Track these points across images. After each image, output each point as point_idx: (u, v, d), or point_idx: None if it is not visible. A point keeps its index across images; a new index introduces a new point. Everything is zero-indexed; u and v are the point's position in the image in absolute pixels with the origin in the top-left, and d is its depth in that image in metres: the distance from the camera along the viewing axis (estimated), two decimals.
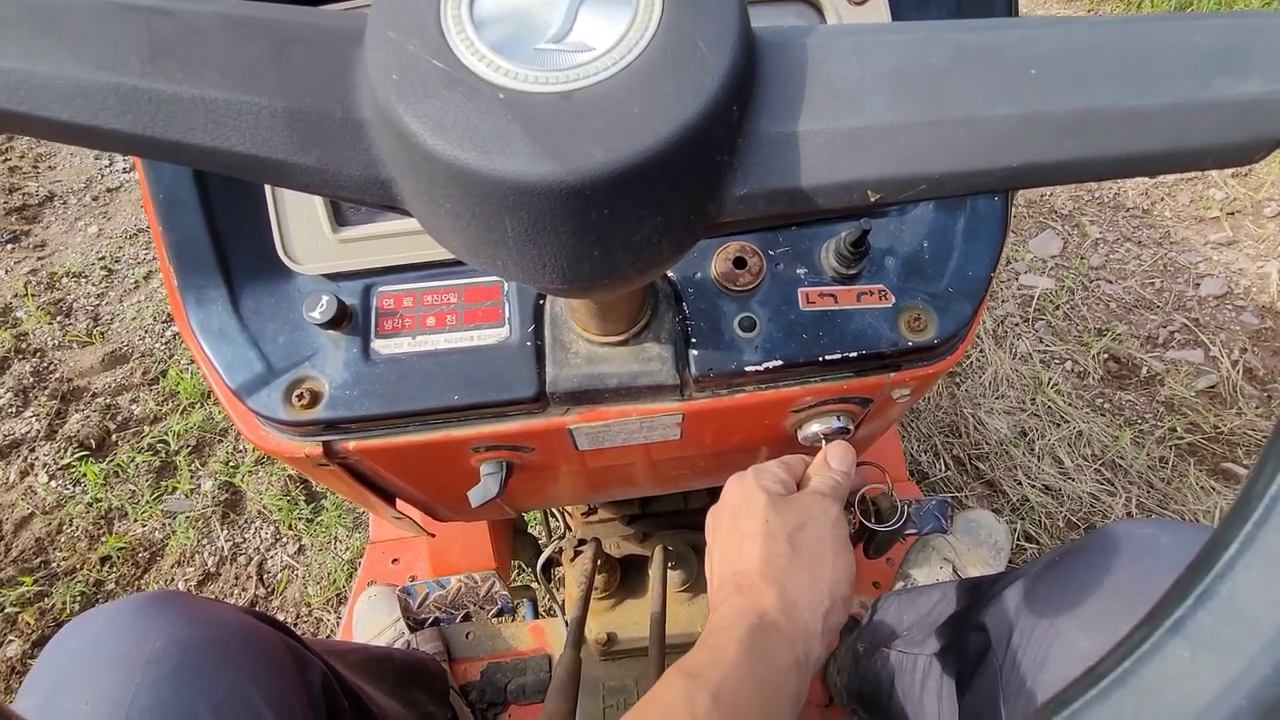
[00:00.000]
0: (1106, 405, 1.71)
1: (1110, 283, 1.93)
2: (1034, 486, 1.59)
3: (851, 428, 0.50)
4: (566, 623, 0.90)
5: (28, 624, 1.36)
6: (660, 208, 0.22)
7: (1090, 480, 1.60)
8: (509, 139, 0.20)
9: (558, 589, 0.97)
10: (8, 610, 1.36)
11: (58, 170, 2.02)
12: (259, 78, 0.23)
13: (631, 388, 0.44)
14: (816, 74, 0.23)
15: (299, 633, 1.29)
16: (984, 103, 0.21)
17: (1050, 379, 1.73)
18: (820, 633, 0.38)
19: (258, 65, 0.23)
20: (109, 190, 2.00)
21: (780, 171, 0.23)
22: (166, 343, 1.71)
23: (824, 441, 0.50)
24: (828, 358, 0.44)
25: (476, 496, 0.49)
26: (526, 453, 0.50)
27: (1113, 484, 1.59)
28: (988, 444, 1.66)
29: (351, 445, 0.45)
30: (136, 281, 1.81)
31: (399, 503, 0.59)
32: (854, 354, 0.44)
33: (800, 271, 0.46)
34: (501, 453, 0.49)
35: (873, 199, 0.23)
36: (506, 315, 0.45)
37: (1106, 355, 1.78)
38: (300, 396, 0.42)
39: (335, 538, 1.49)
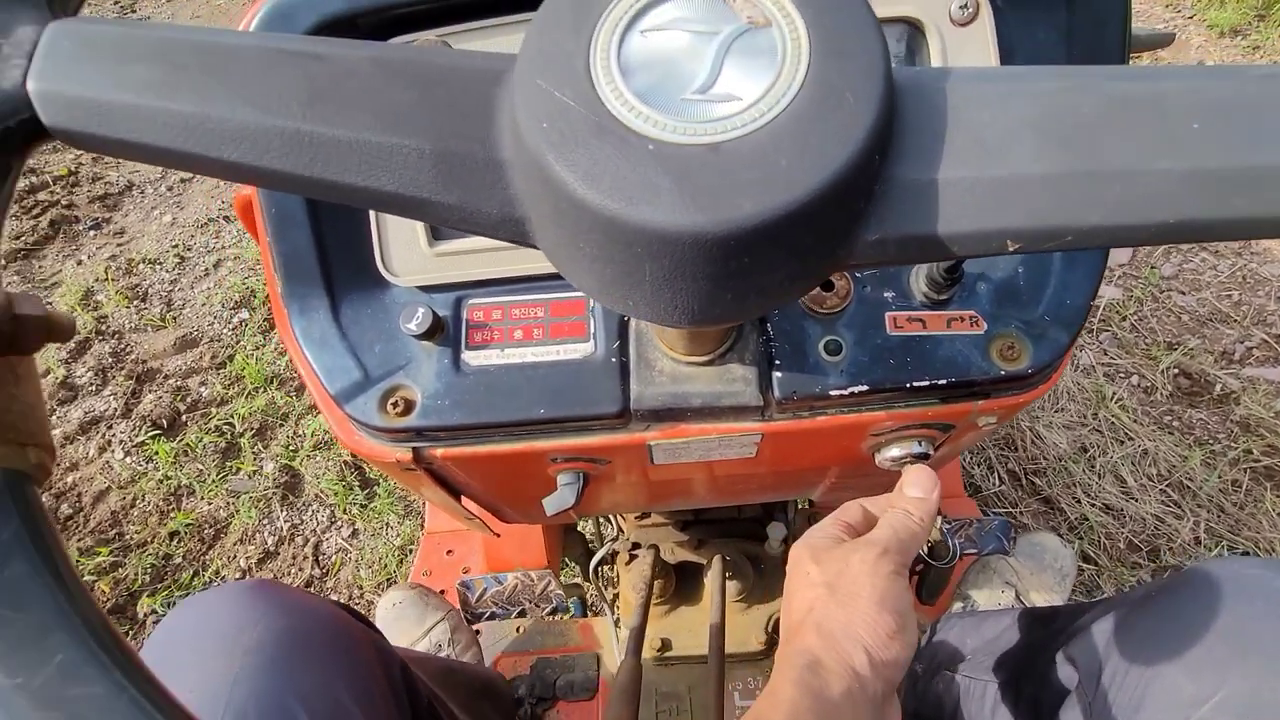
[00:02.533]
0: (1175, 423, 1.63)
1: (1183, 294, 1.84)
2: (1094, 505, 1.53)
3: (931, 452, 0.49)
4: (616, 623, 0.91)
5: (104, 592, 1.45)
6: (796, 255, 0.22)
7: (1155, 501, 1.53)
8: (658, 190, 0.21)
9: (606, 588, 0.98)
10: (85, 579, 1.45)
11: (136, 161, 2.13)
12: (408, 120, 0.24)
13: (715, 408, 0.44)
14: (958, 120, 0.22)
15: None
16: (1143, 156, 0.21)
17: (1114, 393, 1.66)
18: (869, 665, 0.37)
19: (406, 108, 0.24)
20: (182, 181, 2.10)
21: (916, 218, 0.22)
22: (233, 329, 1.78)
23: (900, 465, 0.49)
24: (915, 384, 0.44)
25: (552, 505, 0.50)
26: (602, 465, 0.50)
27: (1179, 506, 1.52)
28: (1045, 459, 1.61)
29: (439, 452, 0.46)
30: (207, 269, 1.89)
31: (465, 501, 0.61)
32: (942, 381, 0.44)
33: (888, 295, 0.45)
34: (579, 464, 0.50)
35: (1011, 249, 0.22)
36: (592, 330, 0.46)
37: (1177, 370, 1.70)
38: (395, 404, 0.44)
39: (387, 524, 1.54)
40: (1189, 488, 1.54)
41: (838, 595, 0.39)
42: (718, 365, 0.44)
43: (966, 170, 0.22)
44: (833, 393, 0.44)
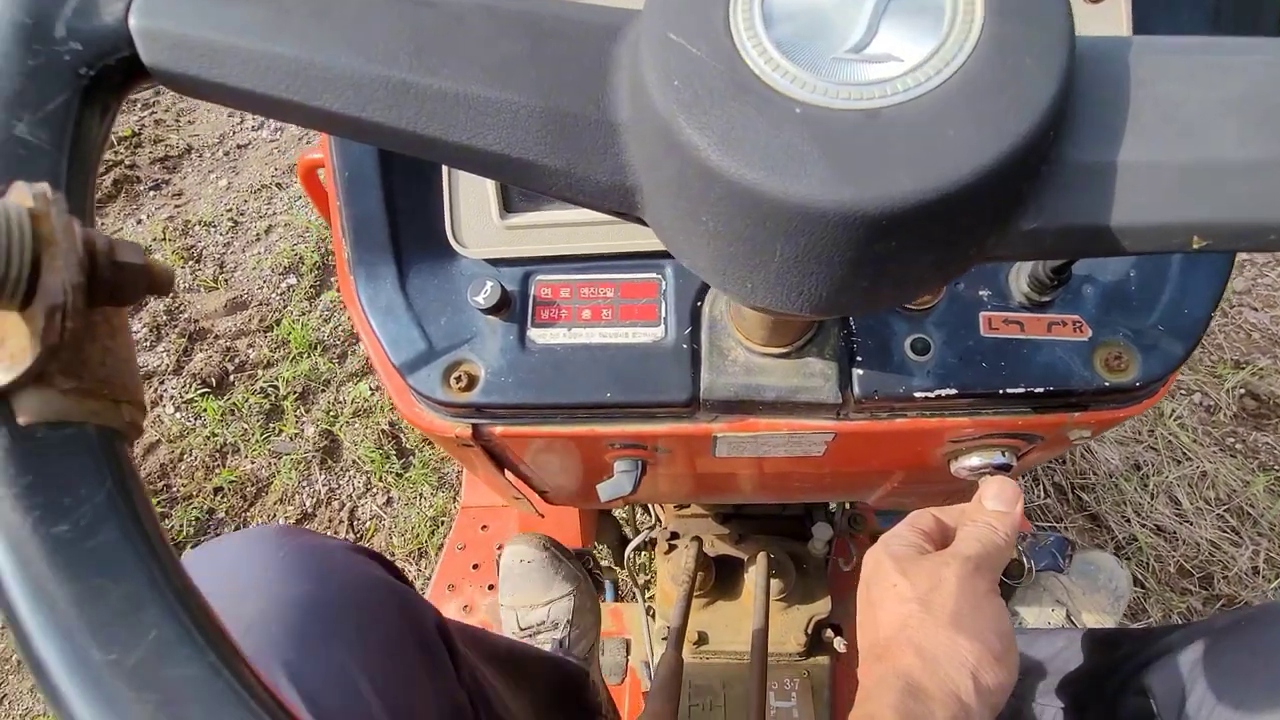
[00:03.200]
0: (1239, 446, 1.55)
1: (1255, 310, 1.73)
2: (1144, 526, 1.47)
3: (1014, 464, 0.46)
4: (649, 612, 0.90)
5: None
6: (946, 243, 0.20)
7: (1211, 526, 1.46)
8: (804, 159, 0.18)
9: (638, 574, 0.98)
10: None
11: (196, 125, 2.17)
12: (517, 74, 0.22)
13: (789, 403, 0.42)
14: (1145, 95, 0.20)
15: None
16: None
17: (1174, 411, 1.58)
18: (975, 692, 0.35)
19: (516, 61, 0.22)
20: (239, 147, 2.13)
21: (1085, 207, 0.20)
22: (281, 294, 1.82)
23: (977, 475, 0.46)
24: (1008, 391, 0.41)
25: (607, 492, 0.49)
26: (661, 454, 0.49)
27: (1238, 533, 1.45)
28: (1095, 474, 1.54)
29: (498, 430, 0.45)
30: (258, 234, 1.92)
31: (514, 480, 0.60)
32: (1039, 390, 0.41)
33: (984, 294, 0.42)
34: (638, 452, 0.48)
35: (1196, 246, 0.20)
36: (662, 314, 0.44)
37: (1243, 390, 1.60)
38: (458, 379, 0.43)
39: (421, 494, 1.56)
40: (1249, 514, 1.46)
41: (934, 613, 0.37)
42: (795, 358, 0.42)
43: (1153, 152, 0.19)
44: (917, 394, 0.41)
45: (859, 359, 0.42)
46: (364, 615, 0.45)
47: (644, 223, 0.24)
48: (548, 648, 0.80)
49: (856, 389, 0.42)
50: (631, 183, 0.22)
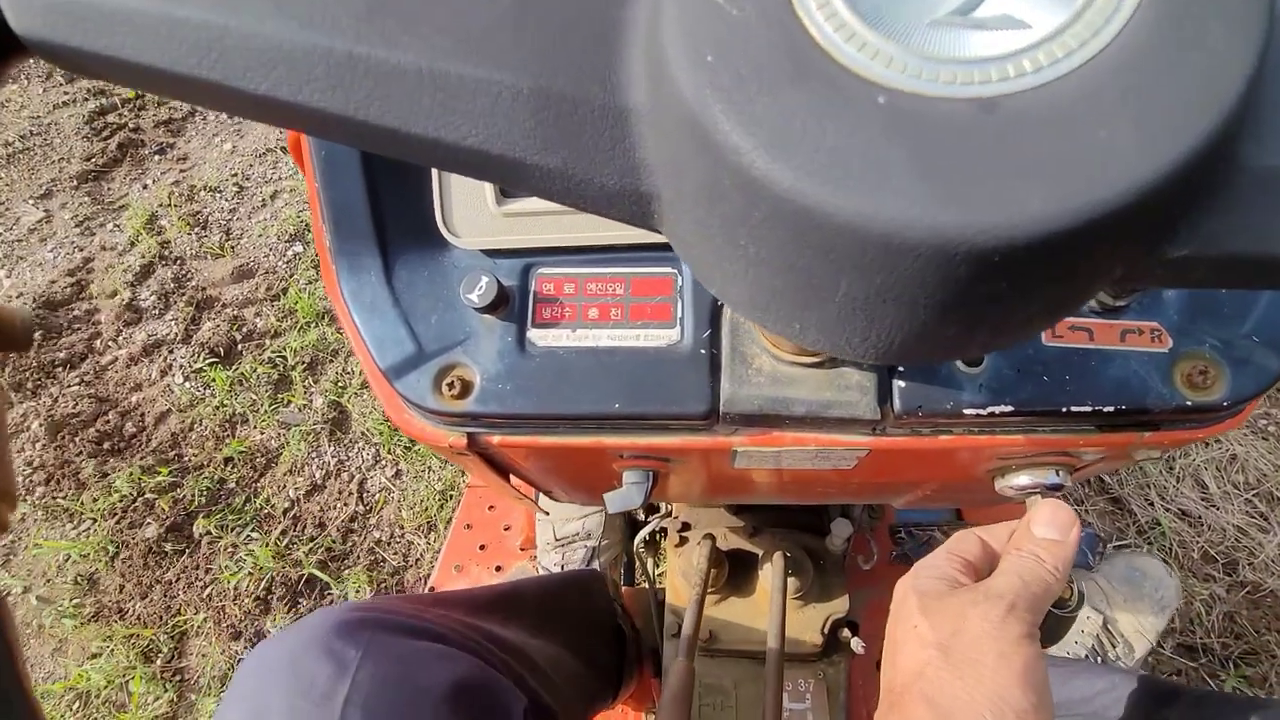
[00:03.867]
0: (1272, 429, 1.49)
1: None
2: (1169, 510, 1.42)
3: (1067, 483, 0.41)
4: (660, 602, 0.88)
5: (163, 510, 1.51)
6: (1073, 278, 0.15)
7: (1239, 511, 1.41)
8: (888, 168, 0.13)
9: (648, 558, 0.95)
10: (147, 496, 1.51)
11: None
12: (499, 44, 0.16)
13: (820, 418, 0.37)
14: None
15: (389, 556, 1.32)
16: None
17: None
18: None
19: (499, 26, 0.16)
20: None
21: (1260, 231, 0.14)
22: (288, 262, 1.78)
23: (1024, 494, 0.42)
24: (1072, 409, 0.36)
25: (615, 503, 0.45)
26: (675, 464, 0.45)
27: (1266, 519, 1.40)
28: None
29: (496, 440, 0.41)
30: (264, 200, 1.88)
31: (515, 481, 0.56)
32: (1108, 408, 0.35)
33: None
34: (651, 463, 0.44)
35: None
36: (678, 315, 0.39)
37: None
38: (451, 385, 0.39)
39: (429, 468, 1.54)
40: (1279, 499, 1.41)
41: (953, 661, 0.33)
42: (828, 368, 0.37)
43: None
44: (966, 412, 0.36)
45: (901, 370, 0.37)
46: (462, 706, 0.44)
47: (660, 233, 0.19)
48: (580, 554, 0.91)
49: (898, 404, 0.37)
50: (647, 188, 0.17)
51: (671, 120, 0.15)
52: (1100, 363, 0.36)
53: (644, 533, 0.86)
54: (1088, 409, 0.36)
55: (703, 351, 0.38)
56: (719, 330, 0.38)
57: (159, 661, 1.37)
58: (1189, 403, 0.35)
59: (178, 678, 1.37)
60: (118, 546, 1.47)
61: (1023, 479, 0.42)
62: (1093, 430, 0.37)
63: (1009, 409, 0.36)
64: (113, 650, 1.37)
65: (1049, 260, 0.13)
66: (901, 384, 0.37)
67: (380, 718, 0.40)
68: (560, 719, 0.57)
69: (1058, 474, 0.41)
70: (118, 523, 1.49)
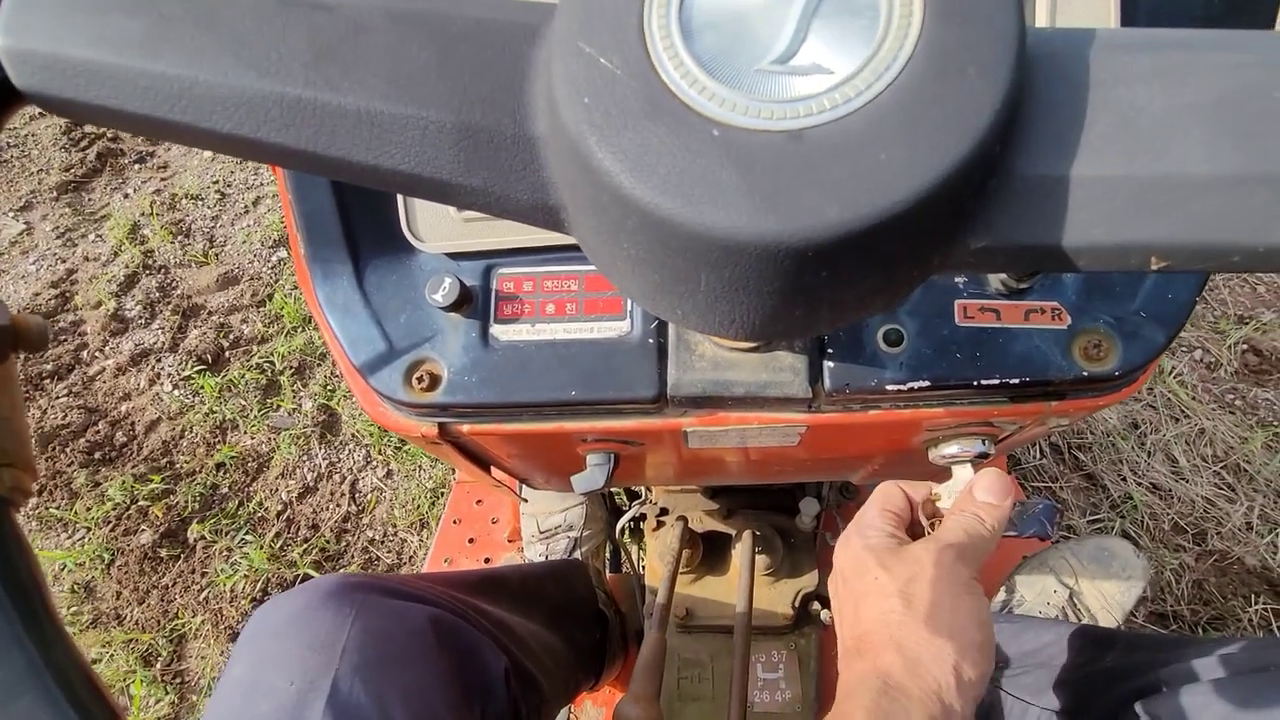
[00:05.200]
0: (1238, 402, 1.54)
1: None
2: (1140, 484, 1.47)
3: (992, 451, 0.45)
4: (641, 586, 0.91)
5: (157, 517, 1.53)
6: (885, 267, 0.18)
7: (1207, 483, 1.46)
8: (722, 187, 0.17)
9: (630, 545, 0.99)
10: (140, 503, 1.52)
11: None
12: (425, 86, 0.20)
13: (759, 398, 0.41)
14: (1104, 99, 0.18)
15: (383, 554, 1.35)
16: None
17: (1174, 368, 1.57)
18: (955, 687, 0.35)
19: (423, 71, 0.20)
20: None
21: (1036, 225, 0.18)
22: (272, 268, 1.80)
23: (955, 464, 0.46)
24: (983, 382, 0.40)
25: (581, 485, 0.49)
26: (634, 446, 0.48)
27: (1233, 490, 1.45)
28: (1092, 433, 1.54)
29: (465, 429, 0.45)
30: (246, 206, 1.89)
31: (493, 470, 0.60)
32: (1015, 380, 0.39)
33: (959, 281, 0.41)
34: (610, 445, 0.47)
35: (1155, 267, 0.18)
36: (628, 308, 0.43)
37: (1246, 346, 1.58)
38: (420, 379, 0.42)
39: (420, 466, 1.57)
40: (1246, 471, 1.46)
41: (914, 606, 0.36)
42: (764, 352, 0.41)
43: (1111, 166, 0.17)
44: (889, 387, 0.40)
45: (830, 351, 0.41)
46: (438, 648, 0.49)
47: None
48: (562, 544, 0.94)
49: (827, 383, 0.41)
50: (554, 201, 0.21)
51: (564, 147, 0.19)
52: (1007, 340, 0.40)
53: (624, 520, 0.90)
54: (997, 382, 0.40)
55: (651, 341, 0.42)
56: (665, 321, 0.42)
57: (159, 665, 1.39)
58: (1086, 373, 0.39)
59: (178, 680, 1.39)
60: (113, 554, 1.49)
61: (953, 449, 0.46)
62: (1005, 401, 0.41)
63: (927, 384, 0.40)
64: (112, 655, 1.39)
65: (857, 253, 0.17)
66: (830, 364, 0.41)
67: (373, 659, 0.45)
68: (543, 689, 0.61)
69: (984, 443, 0.45)
70: (112, 530, 1.51)
